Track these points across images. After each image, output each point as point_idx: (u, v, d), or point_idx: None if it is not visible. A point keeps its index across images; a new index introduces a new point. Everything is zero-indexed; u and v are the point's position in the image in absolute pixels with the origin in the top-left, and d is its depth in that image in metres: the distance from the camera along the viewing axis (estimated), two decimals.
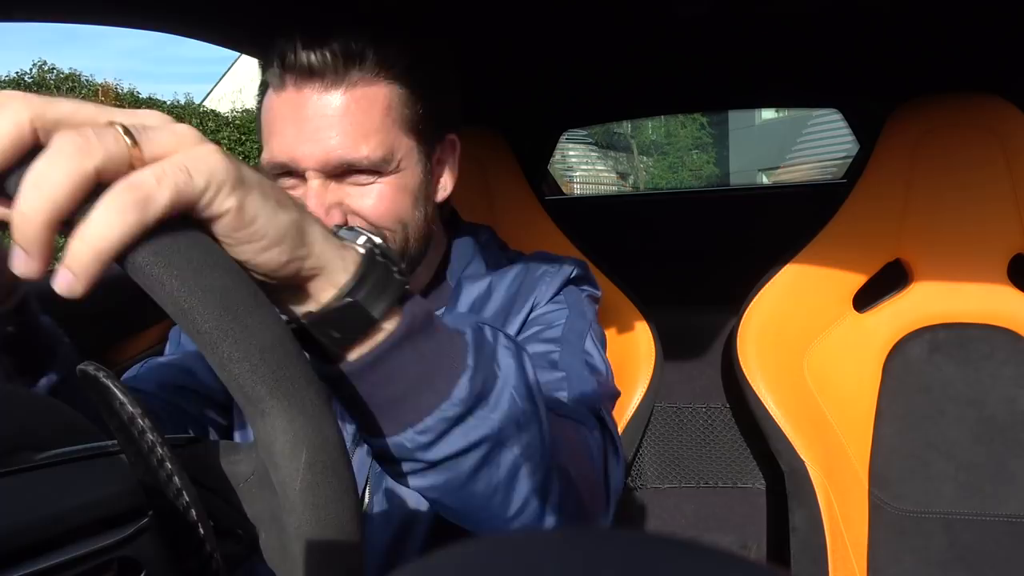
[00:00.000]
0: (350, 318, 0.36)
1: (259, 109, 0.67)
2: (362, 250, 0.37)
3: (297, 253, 0.33)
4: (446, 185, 0.72)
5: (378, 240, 0.40)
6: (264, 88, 0.66)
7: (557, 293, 0.73)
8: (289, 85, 0.62)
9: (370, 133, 0.62)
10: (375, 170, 0.63)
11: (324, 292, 0.35)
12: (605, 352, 0.74)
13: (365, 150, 0.62)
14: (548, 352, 0.66)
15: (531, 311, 0.71)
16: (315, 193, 0.62)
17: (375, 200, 0.64)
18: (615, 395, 0.75)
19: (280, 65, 0.62)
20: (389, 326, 0.37)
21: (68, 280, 0.27)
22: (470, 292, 0.72)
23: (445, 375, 0.38)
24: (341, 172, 0.63)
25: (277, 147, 0.63)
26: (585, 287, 0.77)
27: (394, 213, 0.65)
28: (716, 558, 0.17)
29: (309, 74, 0.61)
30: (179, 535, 0.31)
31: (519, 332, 0.70)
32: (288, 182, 0.64)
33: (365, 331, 0.36)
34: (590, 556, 0.17)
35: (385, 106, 0.63)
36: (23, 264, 0.27)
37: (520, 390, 0.42)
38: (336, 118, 0.62)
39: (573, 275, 0.75)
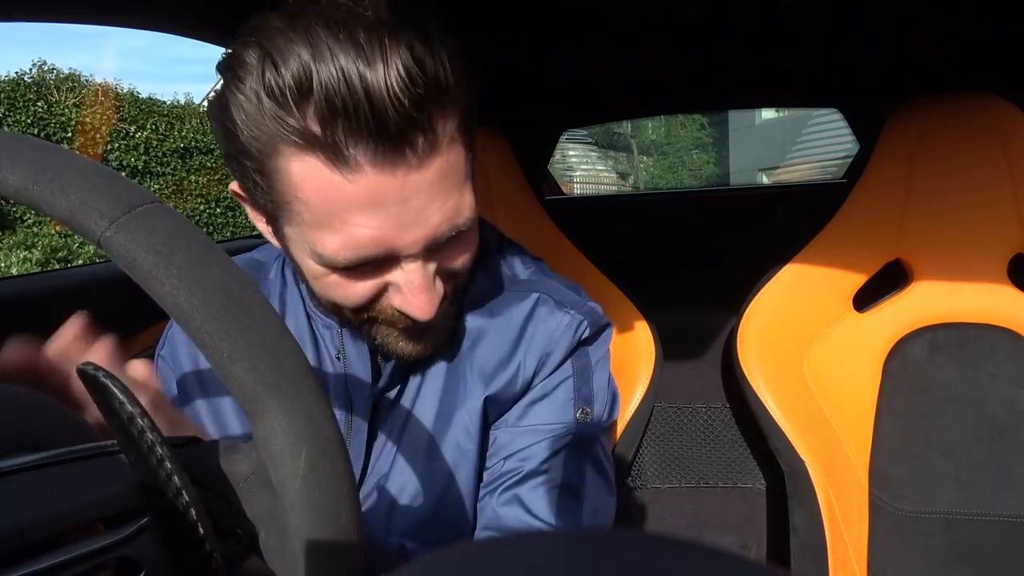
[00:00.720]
0: None
1: (269, 174, 0.49)
2: None
3: None
4: None
5: None
6: (271, 146, 0.47)
7: (565, 359, 0.68)
8: (367, 167, 0.46)
9: (464, 191, 0.53)
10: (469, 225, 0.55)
11: None
12: (608, 373, 0.73)
13: (466, 211, 0.53)
14: (549, 431, 0.65)
15: (535, 374, 0.66)
16: (419, 274, 0.53)
17: (466, 251, 0.58)
18: (612, 425, 0.73)
19: (336, 129, 0.44)
20: None
21: None
22: (472, 323, 0.68)
23: None
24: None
25: (366, 238, 0.49)
26: (596, 344, 0.71)
27: (474, 253, 0.59)
28: (716, 558, 0.17)
29: (399, 144, 0.46)
30: (179, 535, 0.31)
31: (522, 393, 0.66)
32: (364, 269, 0.53)
33: None
34: (591, 556, 0.17)
35: (467, 150, 0.53)
36: None
37: None
38: (436, 190, 0.50)
39: (585, 335, 0.68)
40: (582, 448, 0.67)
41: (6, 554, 0.26)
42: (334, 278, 0.54)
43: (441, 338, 0.63)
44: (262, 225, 0.58)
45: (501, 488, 0.64)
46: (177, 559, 0.31)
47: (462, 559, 0.18)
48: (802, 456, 0.89)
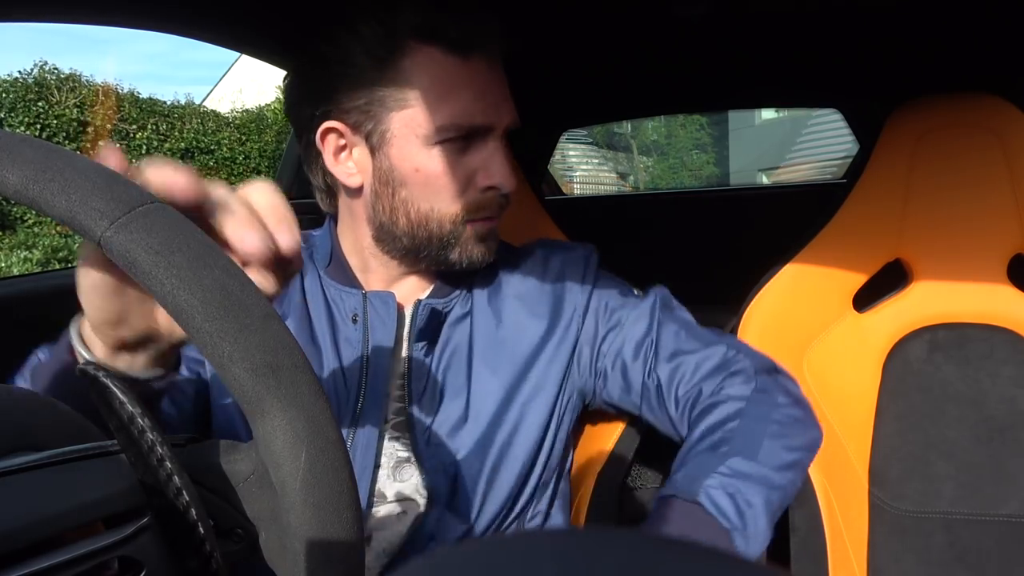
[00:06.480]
0: None
1: (403, 70, 0.65)
2: None
3: None
4: None
5: None
6: (400, 45, 0.65)
7: (592, 280, 0.80)
8: (477, 55, 0.66)
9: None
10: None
11: None
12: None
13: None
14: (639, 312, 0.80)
15: (584, 299, 0.78)
16: (504, 155, 0.69)
17: (511, 162, 0.71)
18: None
19: (462, 33, 0.65)
20: None
21: None
22: (484, 278, 0.77)
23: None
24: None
25: (478, 110, 0.66)
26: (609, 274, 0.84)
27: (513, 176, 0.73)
28: (716, 558, 0.17)
29: (490, 45, 0.67)
30: (179, 534, 0.31)
31: (584, 319, 0.77)
32: (459, 144, 0.67)
33: None
34: (590, 556, 0.17)
35: None
36: None
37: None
38: (506, 86, 0.70)
39: (597, 260, 0.83)
40: (669, 308, 0.80)
41: (6, 554, 0.26)
42: (440, 165, 0.66)
43: (494, 252, 0.73)
44: (360, 157, 0.68)
45: (649, 369, 0.75)
46: (178, 559, 0.31)
47: (462, 558, 0.18)
48: None
